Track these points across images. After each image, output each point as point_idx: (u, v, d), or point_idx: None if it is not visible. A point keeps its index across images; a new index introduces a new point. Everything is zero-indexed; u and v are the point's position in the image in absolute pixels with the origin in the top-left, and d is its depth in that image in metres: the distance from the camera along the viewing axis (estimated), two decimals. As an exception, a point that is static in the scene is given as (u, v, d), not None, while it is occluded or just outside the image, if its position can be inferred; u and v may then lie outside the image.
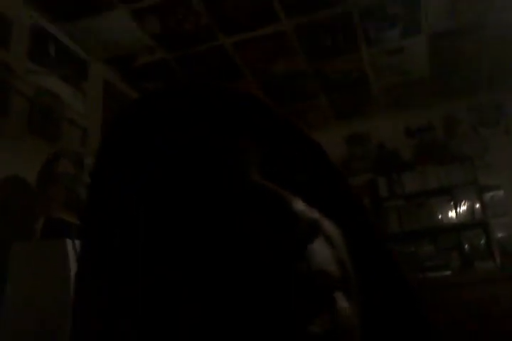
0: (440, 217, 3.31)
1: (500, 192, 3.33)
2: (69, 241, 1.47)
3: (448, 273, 3.11)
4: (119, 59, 2.71)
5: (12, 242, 1.62)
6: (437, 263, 3.15)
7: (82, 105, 2.58)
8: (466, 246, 3.21)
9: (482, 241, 3.22)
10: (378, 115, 3.48)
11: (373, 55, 2.90)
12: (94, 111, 2.66)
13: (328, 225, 0.29)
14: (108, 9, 2.36)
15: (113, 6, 2.33)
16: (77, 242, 1.45)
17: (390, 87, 3.14)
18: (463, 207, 3.27)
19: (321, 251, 0.27)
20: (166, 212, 0.28)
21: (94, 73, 2.68)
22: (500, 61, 3.08)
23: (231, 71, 2.84)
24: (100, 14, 2.39)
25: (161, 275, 0.27)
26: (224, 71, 2.84)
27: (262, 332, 0.25)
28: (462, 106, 3.38)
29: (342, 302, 0.27)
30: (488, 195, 3.32)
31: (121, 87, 2.85)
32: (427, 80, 3.17)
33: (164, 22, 2.46)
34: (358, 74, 3.02)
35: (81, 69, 2.62)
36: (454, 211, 3.27)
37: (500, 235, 3.24)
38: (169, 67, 2.77)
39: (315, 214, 0.27)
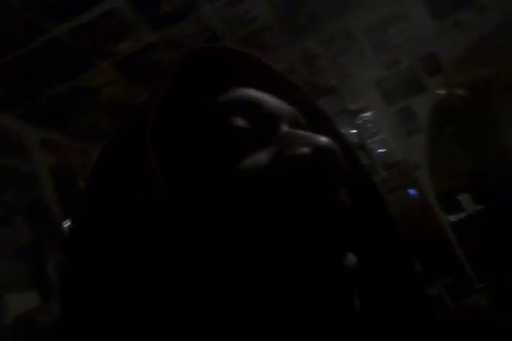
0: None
1: (370, 113, 3.59)
2: None
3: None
4: None
5: None
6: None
7: None
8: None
9: (365, 161, 3.52)
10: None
11: (216, 10, 2.86)
12: None
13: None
14: None
15: None
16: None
17: (243, 38, 3.14)
18: (340, 136, 3.51)
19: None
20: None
21: None
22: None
23: (77, 61, 2.68)
24: None
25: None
26: (70, 63, 2.67)
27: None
28: (316, 41, 3.50)
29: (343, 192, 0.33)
30: (360, 118, 3.58)
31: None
32: (275, 23, 3.20)
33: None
34: (207, 32, 2.98)
35: None
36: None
37: (379, 152, 3.56)
38: (7, 73, 2.55)
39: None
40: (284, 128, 0.35)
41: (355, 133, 3.52)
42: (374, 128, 3.55)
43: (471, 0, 3.60)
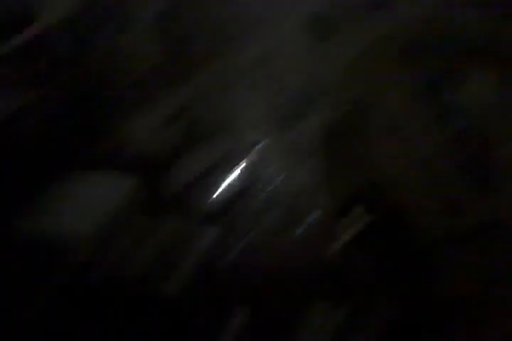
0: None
1: (263, 144, 3.63)
2: None
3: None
4: None
5: None
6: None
7: None
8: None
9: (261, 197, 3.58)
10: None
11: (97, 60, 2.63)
12: None
13: None
14: None
15: None
16: None
17: (130, 86, 2.95)
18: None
19: None
20: None
21: None
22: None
23: None
24: None
25: None
26: None
27: None
28: (203, 78, 3.41)
29: None
30: (253, 151, 3.60)
31: None
32: (162, 64, 3.05)
33: None
34: (84, 85, 2.74)
35: None
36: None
37: (274, 182, 3.63)
38: None
39: None
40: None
41: (248, 166, 3.54)
42: (268, 159, 3.61)
43: (345, 22, 3.76)
